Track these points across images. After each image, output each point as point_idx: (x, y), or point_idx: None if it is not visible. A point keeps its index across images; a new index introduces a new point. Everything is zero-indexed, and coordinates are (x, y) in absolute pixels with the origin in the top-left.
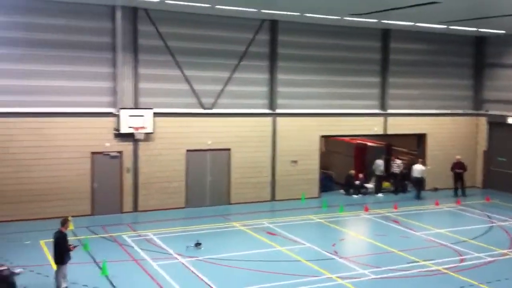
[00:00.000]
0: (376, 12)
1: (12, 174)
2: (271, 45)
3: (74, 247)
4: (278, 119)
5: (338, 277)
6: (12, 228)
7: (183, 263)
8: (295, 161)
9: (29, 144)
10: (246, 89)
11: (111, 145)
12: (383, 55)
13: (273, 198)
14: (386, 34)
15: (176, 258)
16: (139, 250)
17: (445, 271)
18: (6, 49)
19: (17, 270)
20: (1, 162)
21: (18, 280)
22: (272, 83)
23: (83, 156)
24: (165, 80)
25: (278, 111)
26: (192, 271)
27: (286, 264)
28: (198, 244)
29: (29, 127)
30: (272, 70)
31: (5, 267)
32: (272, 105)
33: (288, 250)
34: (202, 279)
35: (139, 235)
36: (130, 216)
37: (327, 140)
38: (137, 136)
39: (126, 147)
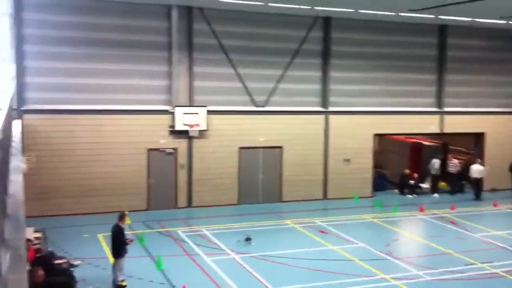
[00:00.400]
0: (434, 7)
1: (73, 169)
2: (324, 43)
3: (131, 241)
4: (331, 117)
5: (392, 278)
6: (71, 222)
7: (235, 259)
8: (347, 160)
9: (89, 140)
10: (299, 87)
11: (166, 141)
12: (440, 52)
13: (325, 197)
14: (443, 30)
15: (229, 254)
16: (193, 245)
17: (504, 274)
18: (67, 48)
19: (75, 262)
20: (62, 158)
21: (77, 272)
22: (325, 80)
23: (139, 152)
24: (218, 78)
25: (331, 109)
26: (245, 267)
27: (338, 263)
28: (248, 239)
29: (89, 124)
30: (325, 68)
31: (65, 260)
32: (324, 103)
33: (341, 249)
34: (254, 276)
35: (193, 231)
36: (184, 211)
37: (381, 139)
38: (192, 133)
39: (181, 144)
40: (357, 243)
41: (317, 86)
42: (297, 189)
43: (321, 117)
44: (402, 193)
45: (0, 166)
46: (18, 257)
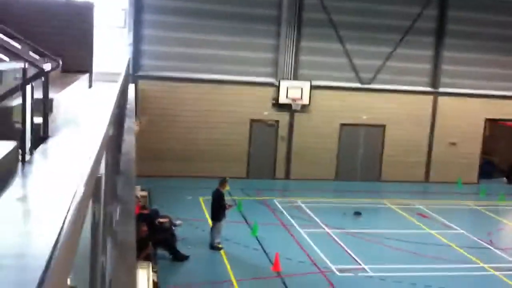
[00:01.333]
0: None
1: (180, 134)
2: (439, 21)
3: (230, 206)
4: (440, 98)
5: (491, 267)
6: (175, 184)
7: (329, 234)
8: (454, 143)
9: (196, 107)
10: (408, 66)
11: (269, 114)
12: None
13: (426, 180)
14: None
15: (323, 228)
16: (288, 216)
17: None
18: (181, 18)
19: (177, 222)
20: (171, 123)
21: (178, 231)
22: (436, 60)
23: (243, 122)
24: (325, 53)
25: (441, 90)
26: (338, 243)
27: (436, 247)
28: (357, 214)
29: (197, 92)
30: (438, 47)
31: (167, 219)
32: (434, 83)
33: (439, 234)
34: (347, 251)
35: (289, 202)
36: (282, 182)
37: (492, 124)
38: (294, 107)
39: (283, 117)
40: (457, 229)
41: (427, 66)
42: (398, 170)
43: (430, 98)
44: (510, 182)
45: (116, 125)
46: (127, 211)
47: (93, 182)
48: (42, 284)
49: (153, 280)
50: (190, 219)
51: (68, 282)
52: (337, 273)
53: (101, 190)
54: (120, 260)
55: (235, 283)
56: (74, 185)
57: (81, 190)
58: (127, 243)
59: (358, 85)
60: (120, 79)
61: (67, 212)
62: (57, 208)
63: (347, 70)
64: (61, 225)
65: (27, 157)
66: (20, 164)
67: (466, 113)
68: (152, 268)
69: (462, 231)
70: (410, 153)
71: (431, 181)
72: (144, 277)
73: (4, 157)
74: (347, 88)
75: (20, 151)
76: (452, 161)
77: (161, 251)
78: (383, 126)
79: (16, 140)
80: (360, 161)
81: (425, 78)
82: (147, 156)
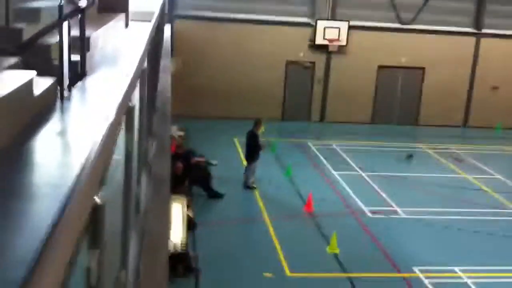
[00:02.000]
0: None
1: (216, 76)
2: None
3: (263, 147)
4: (483, 40)
5: None
6: (212, 125)
7: (363, 176)
8: (496, 87)
9: (232, 48)
10: (450, 5)
11: (304, 55)
12: None
13: (465, 124)
14: None
15: (357, 171)
16: (322, 158)
17: None
18: None
19: (213, 162)
20: (206, 63)
21: (213, 170)
22: None
23: (278, 63)
24: None
25: (484, 31)
26: (371, 185)
27: (470, 192)
28: (409, 156)
29: (233, 32)
30: None
31: (203, 159)
32: (477, 24)
33: (475, 178)
34: (380, 194)
35: (324, 144)
36: (317, 125)
37: None
38: (331, 48)
39: (319, 58)
40: (494, 175)
41: (470, 5)
42: (436, 114)
43: (472, 39)
44: None
45: (152, 63)
46: (163, 147)
47: (123, 110)
48: (63, 211)
49: (188, 215)
50: (225, 159)
51: (98, 200)
52: (369, 214)
53: (134, 121)
54: (154, 191)
55: (268, 222)
56: (107, 115)
57: (111, 117)
58: (161, 176)
59: (397, 25)
60: (154, 17)
61: (98, 141)
62: (91, 139)
63: (386, 10)
64: (89, 151)
65: (66, 93)
66: (59, 100)
67: (509, 56)
68: (188, 204)
69: (498, 176)
70: (450, 97)
71: (469, 126)
72: (179, 209)
73: (43, 93)
74: (386, 29)
75: (58, 87)
76: (493, 106)
77: (196, 189)
78: (422, 69)
79: (54, 77)
80: (398, 104)
81: (468, 19)
82: (183, 96)
